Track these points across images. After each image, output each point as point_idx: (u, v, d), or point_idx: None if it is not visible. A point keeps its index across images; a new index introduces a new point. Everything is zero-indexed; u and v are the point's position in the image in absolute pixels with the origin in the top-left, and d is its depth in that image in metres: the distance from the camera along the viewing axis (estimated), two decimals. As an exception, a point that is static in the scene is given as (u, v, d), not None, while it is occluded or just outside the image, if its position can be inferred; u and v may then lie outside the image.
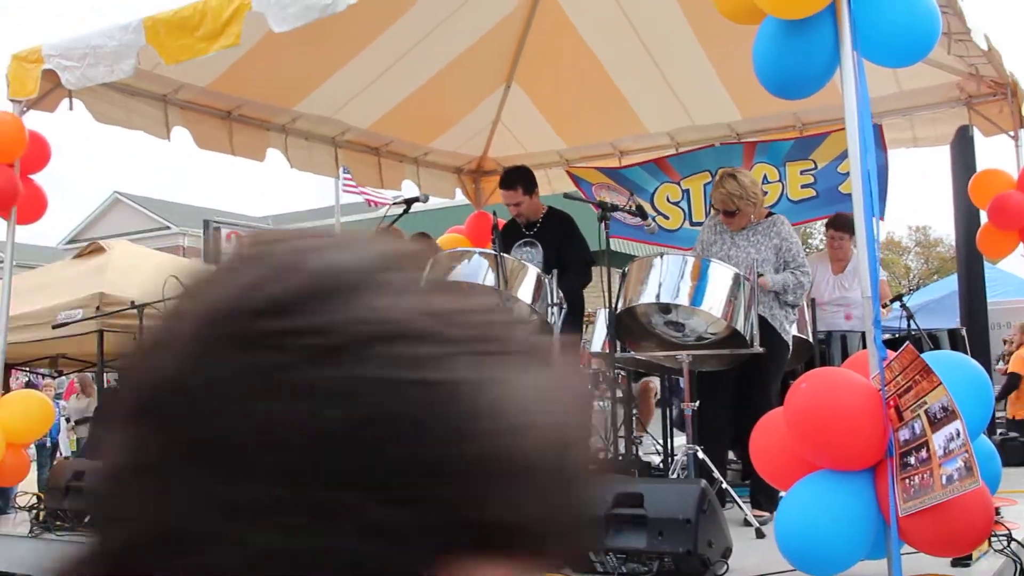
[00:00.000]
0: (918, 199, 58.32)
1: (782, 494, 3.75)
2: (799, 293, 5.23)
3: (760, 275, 5.03)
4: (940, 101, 7.17)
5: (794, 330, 5.55)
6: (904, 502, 3.08)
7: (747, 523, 4.59)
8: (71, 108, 6.00)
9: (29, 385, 12.50)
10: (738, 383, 5.20)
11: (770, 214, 5.58)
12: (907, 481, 3.09)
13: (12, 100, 5.80)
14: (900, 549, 3.19)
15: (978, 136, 7.53)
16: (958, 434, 2.98)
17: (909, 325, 6.81)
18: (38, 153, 5.92)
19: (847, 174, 7.36)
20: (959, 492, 2.94)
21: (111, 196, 42.46)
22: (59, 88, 5.75)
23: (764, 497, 4.92)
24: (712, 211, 5.70)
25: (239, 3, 4.92)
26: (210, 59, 5.39)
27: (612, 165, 8.67)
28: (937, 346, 7.06)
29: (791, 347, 5.30)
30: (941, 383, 3.05)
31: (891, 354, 3.28)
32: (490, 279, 5.23)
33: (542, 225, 6.15)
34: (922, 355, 3.17)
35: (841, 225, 7.04)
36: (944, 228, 38.97)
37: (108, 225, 39.77)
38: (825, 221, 7.56)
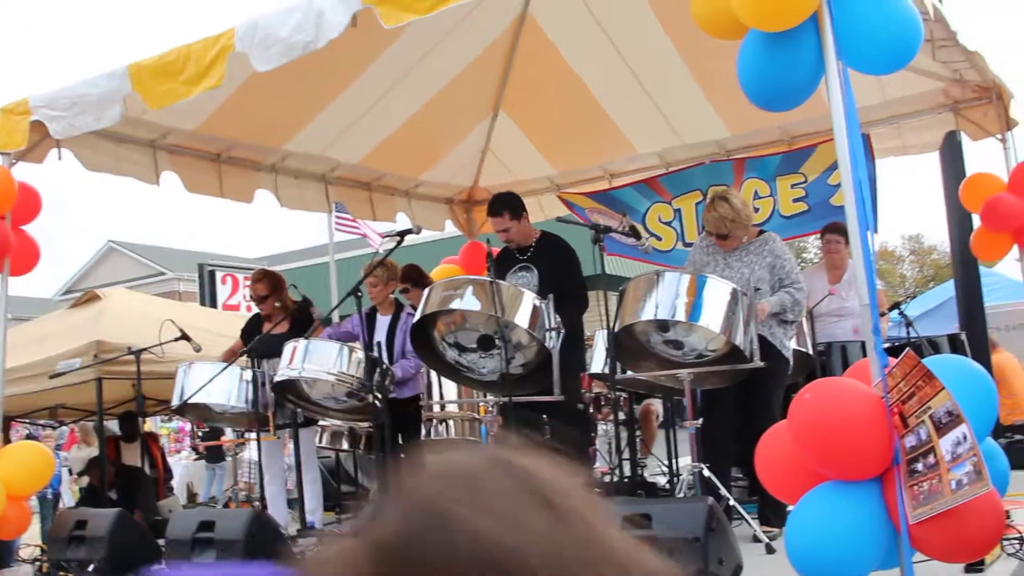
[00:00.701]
0: (909, 208, 58.48)
1: (791, 508, 3.73)
2: (797, 311, 5.22)
3: (758, 301, 5.00)
4: (926, 108, 7.18)
5: (794, 344, 5.53)
6: (914, 509, 3.05)
7: (756, 539, 4.56)
8: (60, 158, 6.00)
9: (30, 437, 12.42)
10: (739, 401, 5.17)
11: (760, 232, 5.58)
12: (916, 488, 3.06)
13: (0, 153, 5.80)
14: (912, 557, 3.15)
15: (966, 141, 7.55)
16: (965, 438, 2.96)
17: (909, 333, 6.80)
18: (29, 204, 5.91)
19: (838, 185, 7.42)
20: (969, 496, 2.91)
21: (105, 245, 42.50)
22: (47, 138, 5.75)
23: (773, 512, 4.88)
24: (704, 232, 5.68)
25: (222, 45, 4.93)
26: (197, 102, 5.40)
27: (603, 188, 8.67)
28: (938, 352, 7.04)
29: (791, 363, 5.28)
30: (944, 388, 3.03)
31: (892, 361, 3.26)
32: (487, 307, 5.22)
33: (535, 249, 6.14)
34: (923, 360, 3.15)
35: (836, 229, 7.07)
36: (937, 235, 39.07)
37: (103, 274, 39.75)
38: (819, 234, 7.57)
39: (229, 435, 13.88)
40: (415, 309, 5.98)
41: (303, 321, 6.66)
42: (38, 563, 5.58)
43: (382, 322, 6.52)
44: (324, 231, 8.88)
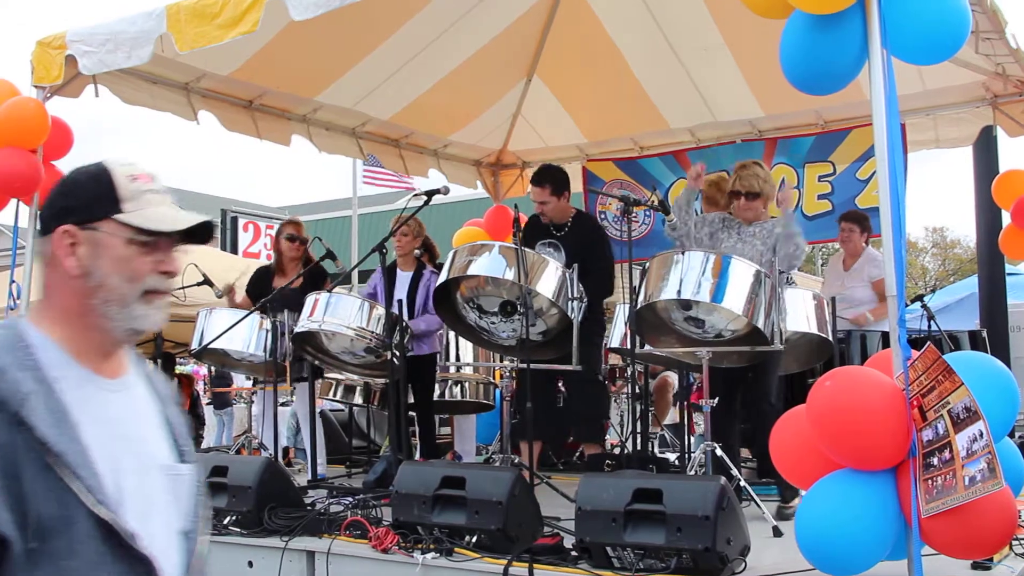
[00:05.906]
0: (935, 200, 57.93)
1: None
2: (797, 261, 5.22)
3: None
4: (965, 100, 7.10)
5: (815, 329, 5.52)
6: (926, 503, 3.05)
7: (764, 520, 4.57)
8: (97, 95, 6.02)
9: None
10: (736, 383, 5.20)
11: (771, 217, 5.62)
12: (929, 482, 3.06)
13: (36, 86, 5.81)
14: (921, 550, 3.16)
15: (1001, 136, 7.47)
16: (981, 435, 2.95)
17: (930, 326, 6.77)
18: (61, 140, 5.93)
19: (865, 182, 7.37)
20: (982, 493, 2.91)
21: (129, 184, 42.62)
22: (83, 74, 5.75)
23: (790, 491, 4.91)
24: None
25: (262, -9, 4.90)
26: (232, 48, 5.38)
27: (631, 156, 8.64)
28: (957, 347, 7.02)
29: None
30: (963, 384, 3.02)
31: (914, 354, 3.25)
32: (510, 273, 5.22)
33: (570, 229, 6.13)
34: (945, 356, 3.14)
35: (850, 217, 7.15)
36: (962, 229, 38.75)
37: (126, 213, 39.89)
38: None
39: (237, 383, 14.03)
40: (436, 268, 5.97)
41: (317, 277, 6.72)
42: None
43: (402, 278, 6.54)
44: (347, 184, 8.88)
